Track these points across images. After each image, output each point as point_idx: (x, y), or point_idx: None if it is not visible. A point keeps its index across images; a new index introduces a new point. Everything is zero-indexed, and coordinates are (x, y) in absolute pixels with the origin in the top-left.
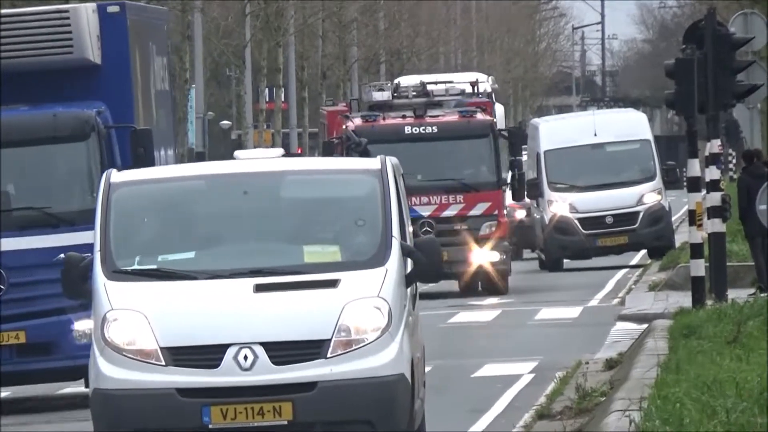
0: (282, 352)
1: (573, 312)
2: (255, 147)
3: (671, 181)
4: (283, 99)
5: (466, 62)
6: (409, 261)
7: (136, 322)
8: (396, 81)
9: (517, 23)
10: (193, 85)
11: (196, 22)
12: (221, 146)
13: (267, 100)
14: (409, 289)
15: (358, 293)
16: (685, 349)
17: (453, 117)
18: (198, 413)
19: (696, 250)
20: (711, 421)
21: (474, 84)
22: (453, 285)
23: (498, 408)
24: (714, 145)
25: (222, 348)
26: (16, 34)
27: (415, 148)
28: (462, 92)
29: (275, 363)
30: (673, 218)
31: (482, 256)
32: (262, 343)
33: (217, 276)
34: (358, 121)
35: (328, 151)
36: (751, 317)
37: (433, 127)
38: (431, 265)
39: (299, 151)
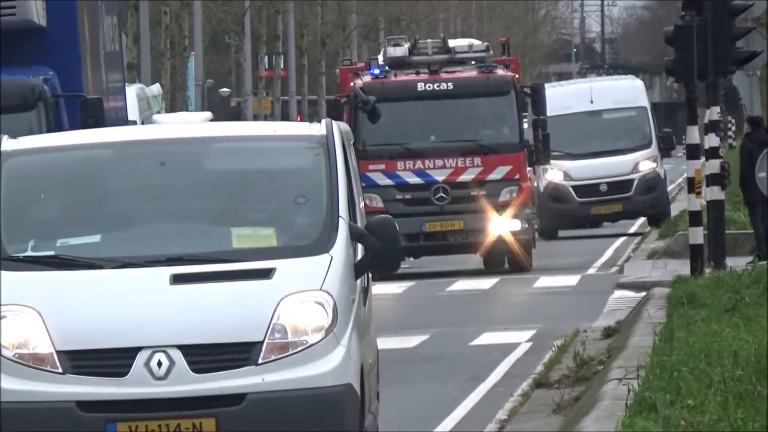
0: (203, 357)
1: (571, 280)
2: (254, 115)
3: (668, 149)
4: (282, 66)
5: (465, 29)
6: (360, 246)
7: (28, 321)
8: (415, 36)
9: None
10: (192, 53)
11: None
12: (221, 114)
13: (266, 67)
14: (359, 281)
15: (296, 285)
16: (683, 317)
17: (471, 73)
18: (102, 431)
19: (695, 218)
20: (708, 389)
21: (488, 47)
22: (471, 259)
23: (495, 376)
24: (713, 113)
25: (131, 352)
26: None
27: (429, 107)
28: (487, 48)
29: (195, 371)
30: (671, 186)
31: (502, 225)
32: (179, 347)
33: (128, 264)
34: (367, 78)
35: (332, 110)
36: (749, 285)
37: (449, 84)
38: (386, 252)
39: (298, 119)
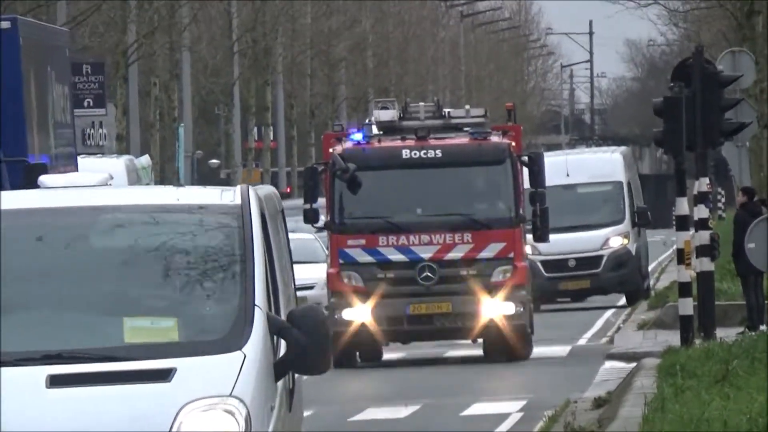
0: None
1: (562, 351)
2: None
3: (643, 225)
4: (272, 138)
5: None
6: (283, 342)
7: None
8: (406, 99)
9: (505, 61)
10: (182, 124)
11: (184, 59)
12: (210, 185)
13: (256, 138)
14: (281, 383)
15: (201, 390)
16: (673, 387)
17: (462, 139)
18: None
19: (684, 289)
20: None
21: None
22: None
23: None
24: (702, 184)
25: None
26: None
27: (415, 177)
28: (485, 114)
29: None
30: (662, 257)
31: (494, 309)
32: None
33: None
34: (348, 144)
35: (308, 179)
36: (739, 356)
37: (437, 151)
38: (312, 349)
39: (288, 191)
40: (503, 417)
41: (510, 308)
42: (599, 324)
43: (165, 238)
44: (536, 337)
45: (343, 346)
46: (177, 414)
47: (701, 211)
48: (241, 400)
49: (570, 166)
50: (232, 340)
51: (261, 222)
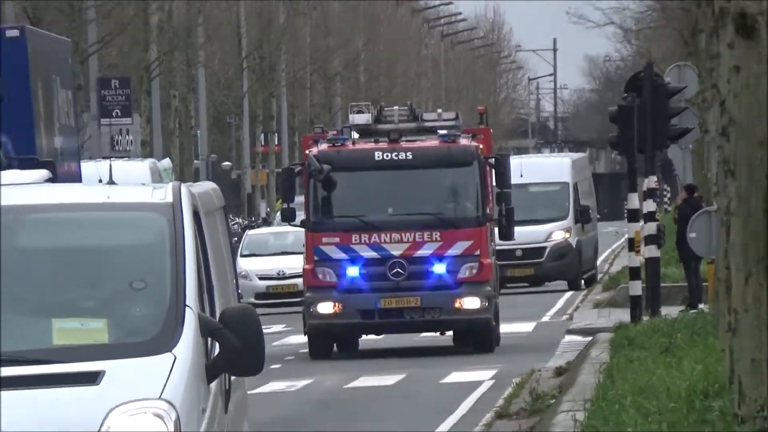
0: None
1: (528, 327)
2: (252, 185)
3: (584, 221)
4: (276, 143)
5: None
6: (216, 343)
7: None
8: (380, 103)
9: (480, 75)
10: (198, 131)
11: (199, 75)
12: (223, 185)
13: (262, 143)
14: (214, 385)
15: (129, 393)
16: (624, 358)
17: (432, 142)
18: None
19: (634, 273)
20: (646, 419)
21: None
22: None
23: (463, 409)
24: (651, 181)
25: None
26: None
27: (386, 177)
28: (456, 117)
29: None
30: (615, 245)
31: (460, 303)
32: None
33: None
34: (323, 145)
35: (285, 179)
36: (680, 330)
37: (408, 153)
38: (246, 349)
39: None
40: (477, 384)
41: (476, 303)
42: (560, 304)
43: (94, 238)
44: (505, 315)
45: (318, 338)
46: (105, 418)
47: (649, 205)
48: (171, 403)
49: (524, 169)
50: (162, 341)
51: (194, 220)
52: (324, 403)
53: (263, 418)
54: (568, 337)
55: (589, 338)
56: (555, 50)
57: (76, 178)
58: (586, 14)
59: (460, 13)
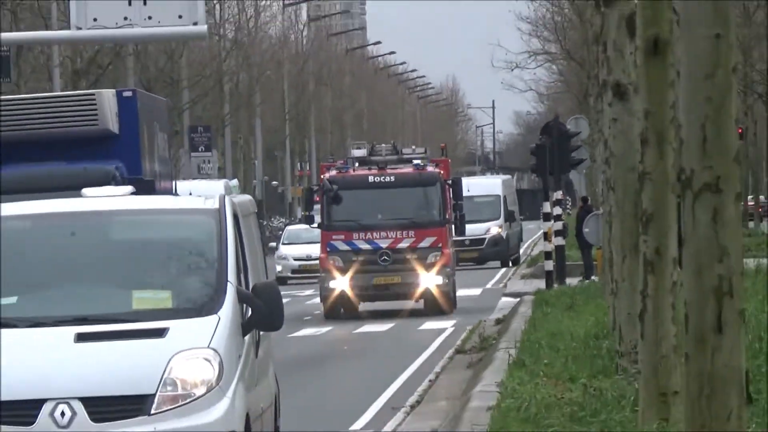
0: (102, 408)
1: (476, 291)
2: (291, 197)
3: (510, 221)
4: (307, 168)
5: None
6: (249, 308)
7: None
8: (373, 142)
9: (443, 123)
10: (256, 161)
11: (257, 124)
12: (272, 197)
13: (299, 169)
14: (248, 337)
15: (187, 343)
16: (541, 312)
17: (408, 169)
18: None
19: (548, 255)
20: (556, 353)
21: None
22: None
23: (433, 347)
24: (558, 194)
25: (38, 404)
26: (55, 110)
27: (377, 194)
28: (425, 151)
29: (94, 420)
30: (535, 236)
31: (429, 280)
32: (81, 399)
33: (40, 324)
34: (333, 172)
35: (307, 196)
36: (579, 294)
37: (391, 177)
38: (270, 312)
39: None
40: (442, 330)
41: (440, 280)
42: (498, 276)
43: (163, 233)
44: (460, 283)
45: (330, 305)
46: (169, 361)
47: (557, 210)
48: (216, 351)
49: (469, 185)
50: (210, 306)
51: (234, 221)
52: (340, 341)
53: (298, 353)
54: (503, 299)
55: (518, 299)
56: (493, 108)
57: (170, 192)
58: (514, 84)
59: (430, 83)
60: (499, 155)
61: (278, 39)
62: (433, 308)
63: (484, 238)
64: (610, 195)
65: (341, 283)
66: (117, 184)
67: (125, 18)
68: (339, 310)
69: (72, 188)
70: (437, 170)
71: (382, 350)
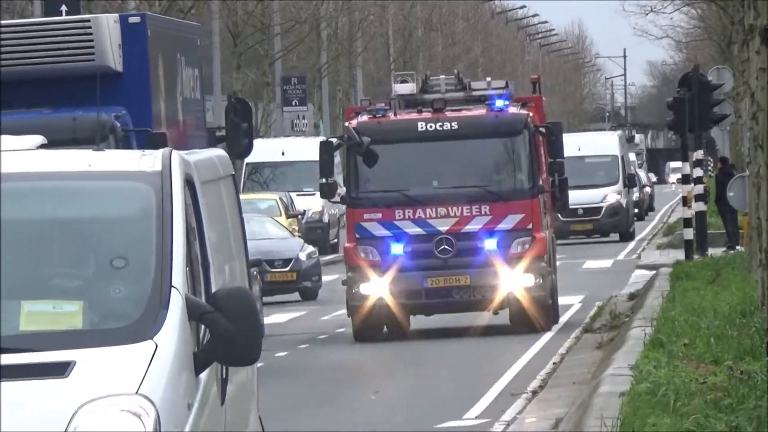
0: None
1: (607, 263)
2: None
3: (631, 186)
4: None
5: None
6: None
7: None
8: (426, 72)
9: (569, 75)
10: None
11: (358, 75)
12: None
13: None
14: (205, 375)
15: (101, 388)
16: (681, 287)
17: (480, 111)
18: None
19: (687, 222)
20: (697, 332)
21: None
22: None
23: (558, 325)
24: (699, 154)
25: None
26: (39, 42)
27: (430, 149)
28: (506, 85)
29: None
30: (672, 201)
31: (513, 281)
32: None
33: None
34: (364, 117)
35: (323, 152)
36: (724, 266)
37: (453, 123)
38: (239, 336)
39: None
40: (569, 306)
41: (530, 280)
42: (631, 246)
43: (72, 210)
44: (587, 255)
45: (362, 320)
46: (73, 416)
47: (698, 172)
48: (149, 399)
49: (581, 144)
50: (142, 327)
51: (187, 190)
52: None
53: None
54: (637, 271)
55: (654, 272)
56: (625, 57)
57: (198, 145)
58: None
59: (553, 29)
60: (631, 110)
61: None
62: (521, 322)
63: (601, 207)
64: (758, 154)
65: (378, 288)
66: (116, 137)
67: None
68: (375, 328)
69: (57, 144)
70: (524, 111)
71: (500, 330)
